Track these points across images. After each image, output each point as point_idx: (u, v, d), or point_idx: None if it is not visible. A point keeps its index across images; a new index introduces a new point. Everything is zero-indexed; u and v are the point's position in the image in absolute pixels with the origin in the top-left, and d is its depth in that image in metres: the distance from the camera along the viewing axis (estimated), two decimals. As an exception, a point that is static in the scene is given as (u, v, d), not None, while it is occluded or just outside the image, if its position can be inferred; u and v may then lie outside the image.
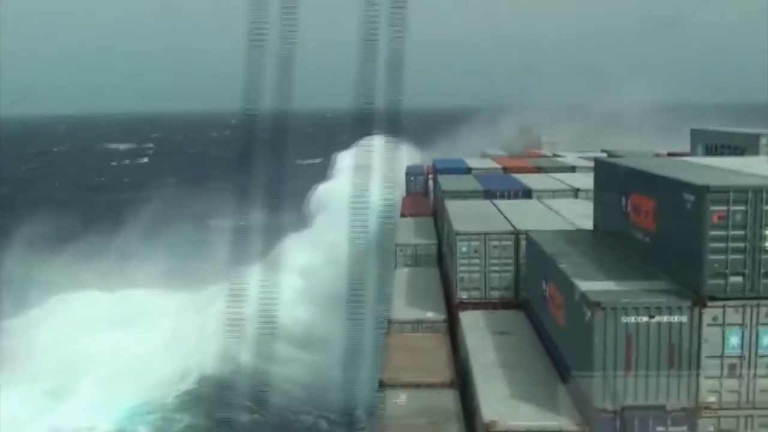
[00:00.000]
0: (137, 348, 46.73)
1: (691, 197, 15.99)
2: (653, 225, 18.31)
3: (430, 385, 20.39)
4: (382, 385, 20.55)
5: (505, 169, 49.26)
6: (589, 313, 15.77)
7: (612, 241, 21.49)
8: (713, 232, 15.53)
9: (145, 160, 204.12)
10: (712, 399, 15.69)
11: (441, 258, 34.29)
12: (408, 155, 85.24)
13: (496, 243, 26.06)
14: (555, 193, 35.64)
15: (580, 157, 55.07)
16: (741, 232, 15.52)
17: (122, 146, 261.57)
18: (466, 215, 29.29)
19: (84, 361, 45.33)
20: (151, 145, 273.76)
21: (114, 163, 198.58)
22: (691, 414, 15.64)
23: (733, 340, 15.58)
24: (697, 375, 15.62)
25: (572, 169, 47.54)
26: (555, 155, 65.20)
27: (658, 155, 48.12)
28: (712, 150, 47.15)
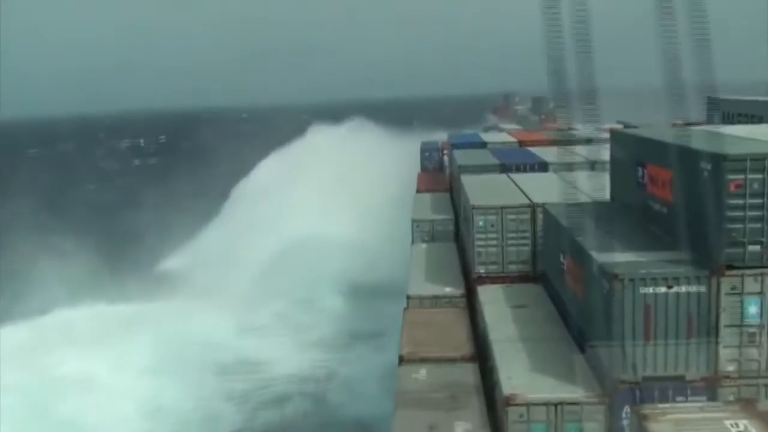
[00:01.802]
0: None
1: (707, 166, 15.89)
2: (670, 195, 18.22)
3: (449, 360, 20.53)
4: (402, 361, 20.71)
5: (521, 143, 49.05)
6: (607, 285, 15.79)
7: (629, 212, 21.42)
8: (731, 201, 15.44)
9: (153, 159, 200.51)
10: (731, 368, 15.70)
11: (458, 233, 34.32)
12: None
13: (513, 217, 26.05)
14: (571, 166, 35.45)
15: (596, 129, 54.59)
16: (759, 201, 15.43)
17: (125, 143, 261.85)
18: (483, 189, 29.28)
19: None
20: (163, 138, 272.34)
21: (119, 163, 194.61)
22: (711, 383, 15.68)
23: (752, 308, 15.56)
24: (716, 344, 15.63)
25: (588, 141, 47.17)
26: (570, 127, 64.66)
27: (674, 125, 47.57)
28: (729, 118, 46.57)
